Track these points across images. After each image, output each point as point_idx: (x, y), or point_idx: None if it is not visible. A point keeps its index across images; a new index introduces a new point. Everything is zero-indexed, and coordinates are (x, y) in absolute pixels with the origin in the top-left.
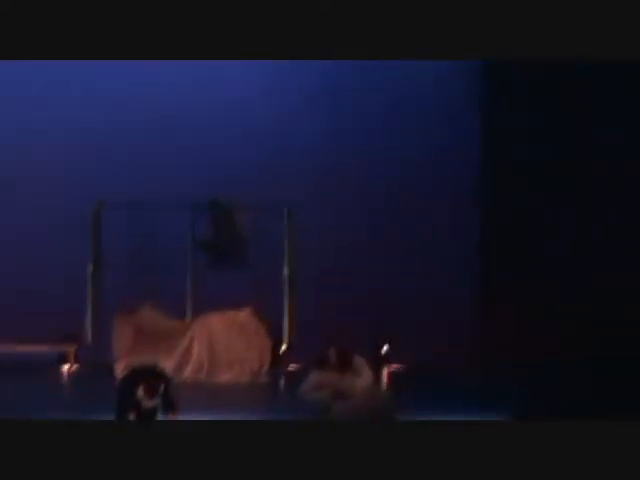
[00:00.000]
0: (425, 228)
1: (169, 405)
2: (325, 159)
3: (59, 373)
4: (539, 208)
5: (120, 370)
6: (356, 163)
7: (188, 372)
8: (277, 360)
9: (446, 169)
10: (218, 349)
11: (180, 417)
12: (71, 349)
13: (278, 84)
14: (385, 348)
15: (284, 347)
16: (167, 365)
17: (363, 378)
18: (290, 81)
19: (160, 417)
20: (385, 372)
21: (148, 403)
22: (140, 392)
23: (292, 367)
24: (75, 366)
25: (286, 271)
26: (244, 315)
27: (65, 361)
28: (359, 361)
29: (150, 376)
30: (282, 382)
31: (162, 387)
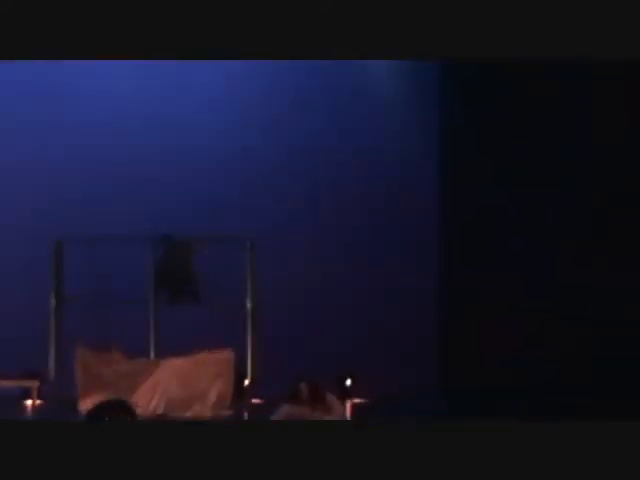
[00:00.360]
0: (387, 254)
1: None
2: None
3: (23, 408)
4: (502, 206)
5: (84, 406)
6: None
7: (149, 408)
8: (240, 394)
9: (407, 189)
10: (178, 385)
11: None
12: (34, 385)
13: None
14: (348, 381)
15: (247, 381)
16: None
17: (334, 413)
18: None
19: None
20: (349, 405)
21: None
22: None
23: (255, 401)
24: (38, 402)
25: (249, 304)
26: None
27: (28, 397)
28: (330, 397)
29: (116, 411)
30: (245, 416)
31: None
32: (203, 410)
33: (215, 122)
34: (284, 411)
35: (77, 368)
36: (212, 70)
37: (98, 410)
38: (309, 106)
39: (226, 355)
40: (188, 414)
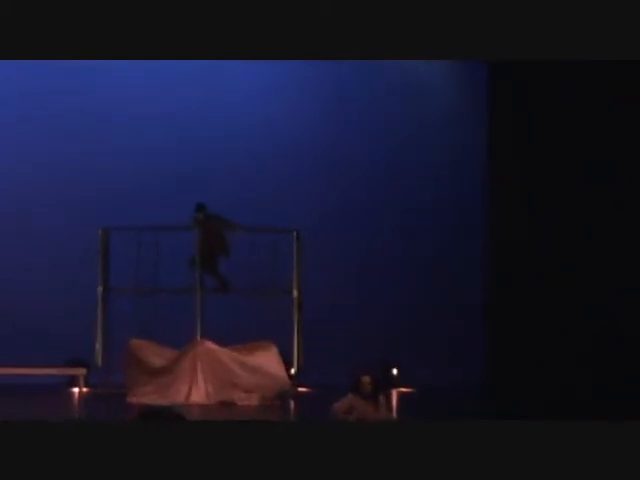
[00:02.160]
0: (433, 242)
1: None
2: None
3: (69, 396)
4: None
5: (133, 398)
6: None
7: (197, 396)
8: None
9: (452, 181)
10: (226, 374)
11: None
12: (81, 373)
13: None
14: (394, 371)
15: (293, 370)
16: (175, 395)
17: (382, 410)
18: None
19: None
20: (395, 394)
21: None
22: None
23: (302, 389)
24: (85, 390)
25: (295, 293)
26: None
27: (75, 385)
28: (381, 397)
29: (167, 418)
30: (292, 404)
31: None
32: (250, 398)
33: (261, 116)
34: (347, 400)
35: (127, 358)
36: (260, 68)
37: (147, 416)
38: (354, 104)
39: (269, 346)
40: (236, 402)
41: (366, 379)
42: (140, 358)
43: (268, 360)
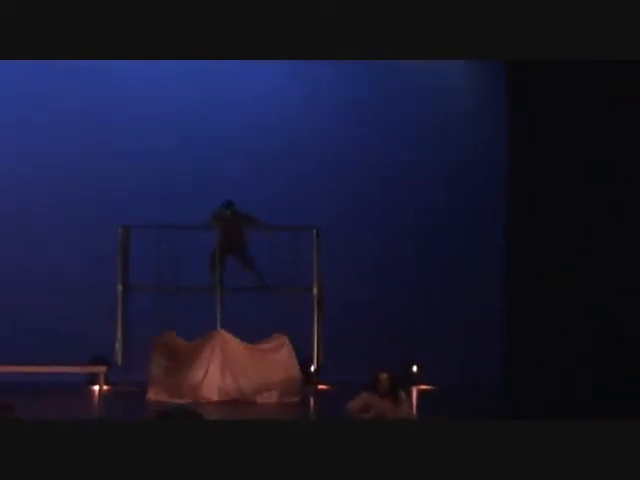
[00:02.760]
0: (452, 243)
1: None
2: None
3: (90, 394)
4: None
5: (153, 396)
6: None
7: (219, 394)
8: (307, 380)
9: (467, 180)
10: (247, 371)
11: None
12: (101, 371)
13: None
14: (414, 368)
15: (313, 367)
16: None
17: (401, 408)
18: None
19: None
20: (415, 392)
21: None
22: None
23: (322, 387)
24: (105, 388)
25: (315, 290)
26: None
27: (95, 383)
28: (401, 392)
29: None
30: (312, 402)
31: None
32: (271, 396)
33: (279, 116)
34: (362, 398)
35: (154, 356)
36: (275, 68)
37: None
38: (370, 104)
39: (282, 341)
40: (257, 400)
41: (384, 376)
42: (166, 352)
43: (281, 355)
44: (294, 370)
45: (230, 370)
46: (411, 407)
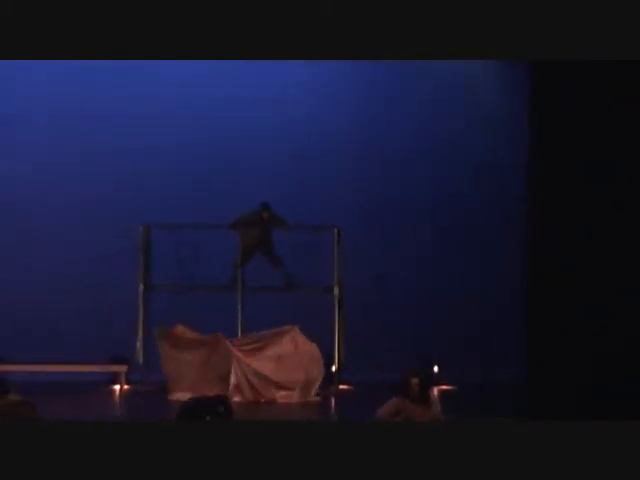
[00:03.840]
0: (473, 243)
1: None
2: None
3: (110, 393)
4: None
5: (175, 396)
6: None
7: (240, 392)
8: (328, 380)
9: (496, 185)
10: (267, 370)
11: None
12: (122, 370)
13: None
14: (435, 368)
15: (334, 367)
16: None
17: (433, 410)
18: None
19: None
20: (435, 392)
21: None
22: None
23: (343, 387)
24: (126, 387)
25: (336, 290)
26: (290, 336)
27: (116, 382)
28: (433, 395)
29: (213, 406)
30: (333, 402)
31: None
32: (291, 396)
33: (304, 115)
34: (392, 403)
35: (164, 351)
36: (305, 66)
37: (194, 406)
38: (397, 104)
39: (294, 333)
40: (278, 399)
41: (415, 381)
42: (176, 345)
43: (294, 349)
44: (315, 368)
45: (250, 369)
46: (439, 409)
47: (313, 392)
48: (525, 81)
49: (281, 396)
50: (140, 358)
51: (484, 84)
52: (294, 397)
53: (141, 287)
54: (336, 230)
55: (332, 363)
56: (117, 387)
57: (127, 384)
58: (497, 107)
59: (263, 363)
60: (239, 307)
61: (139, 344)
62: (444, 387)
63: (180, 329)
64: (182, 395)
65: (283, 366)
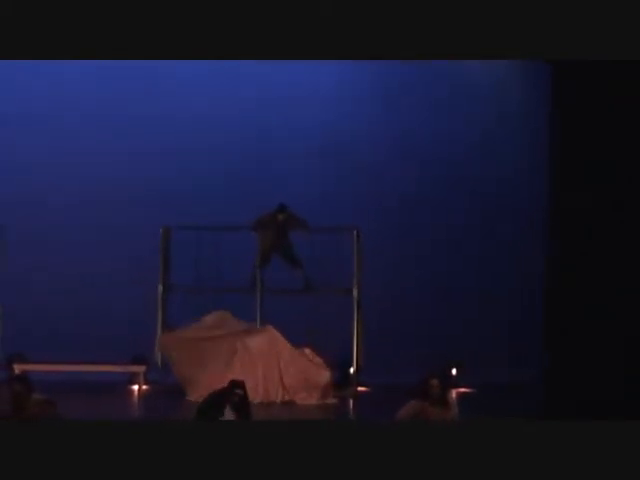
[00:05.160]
0: (493, 245)
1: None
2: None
3: (129, 393)
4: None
5: (193, 396)
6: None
7: (257, 393)
8: (346, 382)
9: (517, 187)
10: (283, 372)
11: None
12: (141, 370)
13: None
14: (454, 370)
15: (353, 369)
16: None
17: (452, 412)
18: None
19: None
20: (454, 394)
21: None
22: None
23: (361, 389)
24: (145, 387)
25: (355, 292)
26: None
27: (135, 382)
28: (450, 395)
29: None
30: (351, 403)
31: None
32: (309, 398)
33: (324, 117)
34: (412, 406)
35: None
36: (323, 68)
37: (212, 400)
38: (415, 103)
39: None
40: (295, 401)
41: (435, 382)
42: (184, 348)
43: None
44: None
45: (270, 370)
46: (456, 411)
47: (328, 394)
48: (546, 81)
49: (301, 398)
50: (159, 358)
51: (504, 84)
52: (313, 398)
53: (160, 288)
54: (355, 231)
55: (350, 365)
56: (136, 387)
57: (146, 384)
58: (518, 107)
59: (277, 364)
60: (258, 309)
61: (158, 345)
62: (462, 389)
63: (177, 331)
64: (199, 395)
65: (299, 367)
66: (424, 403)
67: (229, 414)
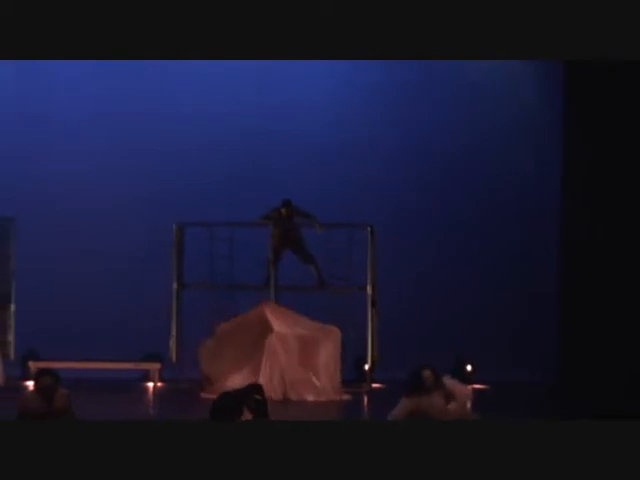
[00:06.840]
0: (506, 243)
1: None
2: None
3: (144, 391)
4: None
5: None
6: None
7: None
8: (361, 378)
9: (529, 187)
10: (296, 368)
11: None
12: (155, 368)
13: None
14: (469, 367)
15: (367, 365)
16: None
17: (459, 404)
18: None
19: None
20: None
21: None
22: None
23: (376, 385)
24: (159, 384)
25: (369, 289)
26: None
27: (150, 379)
28: (450, 381)
29: (252, 394)
30: (365, 400)
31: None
32: (320, 394)
33: (338, 114)
34: (404, 404)
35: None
36: (339, 67)
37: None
38: (433, 102)
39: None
40: (307, 397)
41: (427, 373)
42: (221, 348)
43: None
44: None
45: (282, 374)
46: (469, 406)
47: (341, 390)
48: (561, 80)
49: (312, 394)
50: (174, 356)
51: (518, 83)
52: (323, 395)
53: (175, 285)
54: (369, 228)
55: (365, 362)
56: (150, 385)
57: (160, 382)
58: (532, 107)
59: (292, 360)
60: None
61: (172, 342)
62: (477, 386)
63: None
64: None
65: (313, 362)
66: (419, 399)
67: (246, 417)
